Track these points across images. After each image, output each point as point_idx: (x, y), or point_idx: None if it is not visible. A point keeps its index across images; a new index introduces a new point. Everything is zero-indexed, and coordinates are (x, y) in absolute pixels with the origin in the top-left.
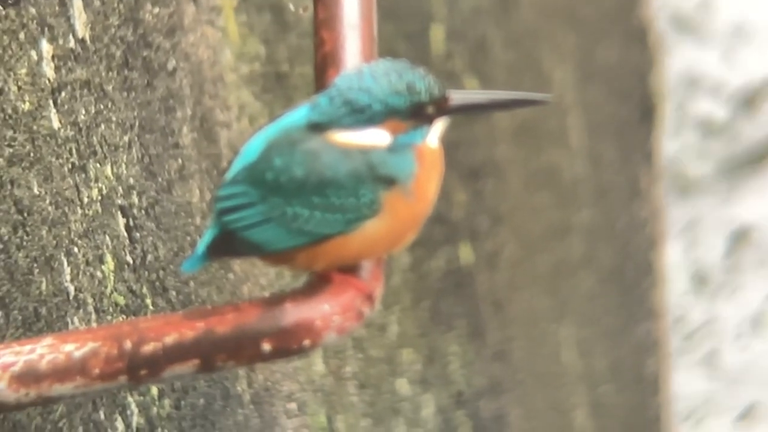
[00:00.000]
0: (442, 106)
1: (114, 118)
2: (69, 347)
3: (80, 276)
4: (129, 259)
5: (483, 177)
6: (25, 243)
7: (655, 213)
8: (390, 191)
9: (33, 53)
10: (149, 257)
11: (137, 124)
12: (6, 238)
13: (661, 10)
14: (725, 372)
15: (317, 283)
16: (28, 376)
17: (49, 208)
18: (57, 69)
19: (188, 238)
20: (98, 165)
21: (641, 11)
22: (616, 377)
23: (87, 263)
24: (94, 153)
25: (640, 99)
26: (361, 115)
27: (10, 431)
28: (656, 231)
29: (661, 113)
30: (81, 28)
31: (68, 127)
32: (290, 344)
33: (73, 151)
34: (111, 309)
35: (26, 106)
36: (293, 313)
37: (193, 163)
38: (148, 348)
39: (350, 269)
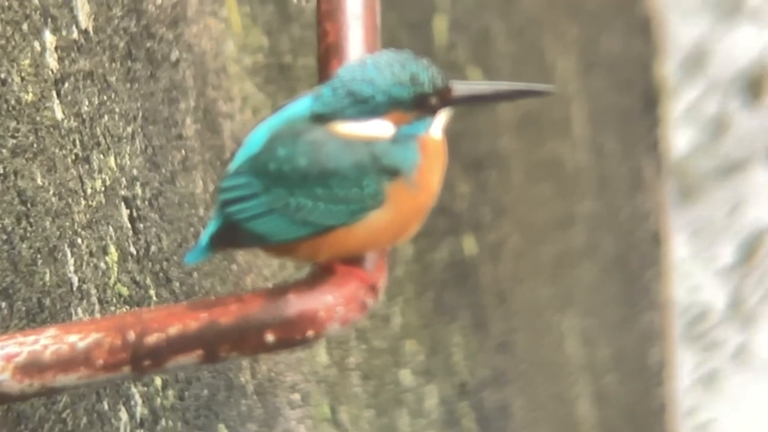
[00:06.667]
0: (445, 97)
1: (117, 109)
2: (73, 338)
3: (84, 267)
4: (132, 250)
5: (486, 168)
6: (28, 234)
7: (660, 204)
8: (393, 182)
9: (36, 44)
10: (153, 248)
11: (140, 115)
12: (10, 229)
13: None
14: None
15: (320, 274)
16: (32, 367)
17: (53, 199)
18: (60, 60)
19: (191, 229)
20: (102, 156)
21: (645, 0)
22: (619, 367)
23: (90, 254)
24: (98, 144)
25: (644, 89)
26: (364, 106)
27: (13, 422)
28: (660, 221)
29: (666, 104)
30: (84, 18)
31: (71, 118)
32: (294, 335)
33: (77, 142)
34: (114, 300)
35: (29, 97)
36: (296, 304)
37: (197, 155)
38: (152, 339)
39: (354, 260)
